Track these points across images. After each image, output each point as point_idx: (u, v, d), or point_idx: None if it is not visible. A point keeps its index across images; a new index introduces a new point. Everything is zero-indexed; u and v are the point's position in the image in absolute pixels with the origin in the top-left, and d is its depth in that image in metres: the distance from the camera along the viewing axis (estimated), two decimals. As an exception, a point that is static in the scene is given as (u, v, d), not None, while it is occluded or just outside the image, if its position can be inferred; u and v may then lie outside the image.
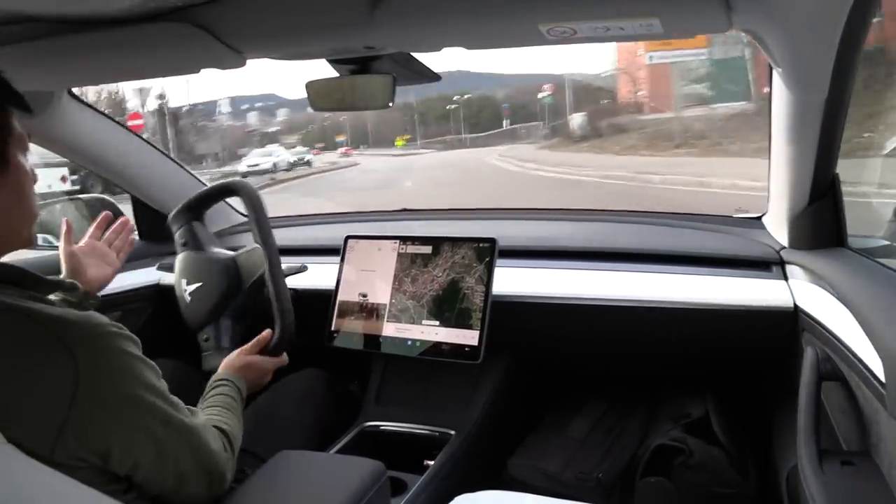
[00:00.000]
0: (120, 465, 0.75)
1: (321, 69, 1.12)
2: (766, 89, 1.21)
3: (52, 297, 0.82)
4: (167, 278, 1.77)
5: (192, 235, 1.45)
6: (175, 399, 0.83)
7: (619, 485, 1.39)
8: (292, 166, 27.26)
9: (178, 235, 1.47)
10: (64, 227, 1.15)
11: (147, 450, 0.77)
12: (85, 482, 0.66)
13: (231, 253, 1.42)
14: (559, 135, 25.72)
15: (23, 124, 0.79)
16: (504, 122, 36.07)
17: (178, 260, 1.47)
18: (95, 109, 1.54)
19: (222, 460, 0.86)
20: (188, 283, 1.41)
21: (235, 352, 1.19)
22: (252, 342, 1.22)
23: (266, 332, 1.24)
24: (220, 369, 1.14)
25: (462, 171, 16.88)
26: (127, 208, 1.90)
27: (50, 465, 0.67)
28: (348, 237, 1.58)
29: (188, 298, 1.40)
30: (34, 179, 0.81)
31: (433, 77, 1.24)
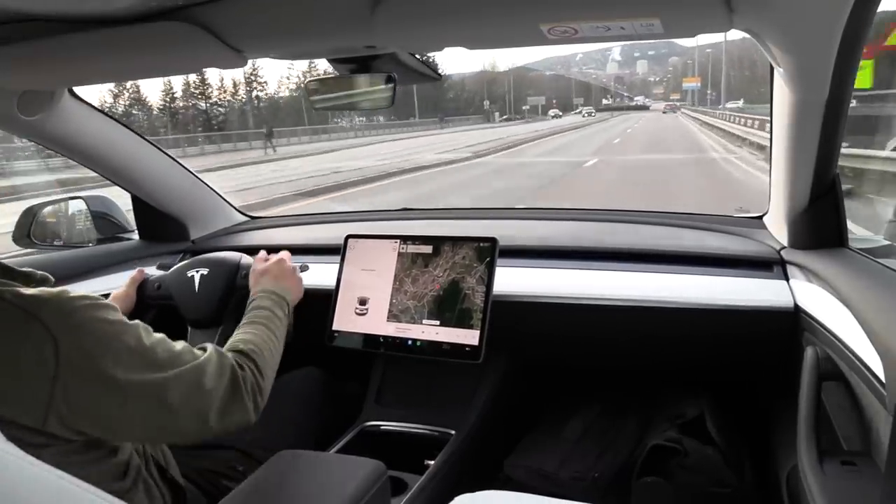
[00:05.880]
0: (115, 434, 0.78)
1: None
2: None
3: None
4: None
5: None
6: (169, 347, 0.85)
7: (615, 485, 1.39)
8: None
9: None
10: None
11: (136, 412, 0.79)
12: (78, 453, 0.68)
13: (237, 255, 1.49)
14: None
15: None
16: None
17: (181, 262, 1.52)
18: (97, 109, 1.54)
19: (221, 395, 0.89)
20: (195, 271, 1.46)
21: (251, 275, 1.31)
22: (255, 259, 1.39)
23: (260, 253, 1.40)
24: (252, 294, 1.24)
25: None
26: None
27: (43, 436, 0.71)
28: (349, 237, 1.58)
29: (196, 286, 1.43)
30: None
31: (434, 76, 1.24)
